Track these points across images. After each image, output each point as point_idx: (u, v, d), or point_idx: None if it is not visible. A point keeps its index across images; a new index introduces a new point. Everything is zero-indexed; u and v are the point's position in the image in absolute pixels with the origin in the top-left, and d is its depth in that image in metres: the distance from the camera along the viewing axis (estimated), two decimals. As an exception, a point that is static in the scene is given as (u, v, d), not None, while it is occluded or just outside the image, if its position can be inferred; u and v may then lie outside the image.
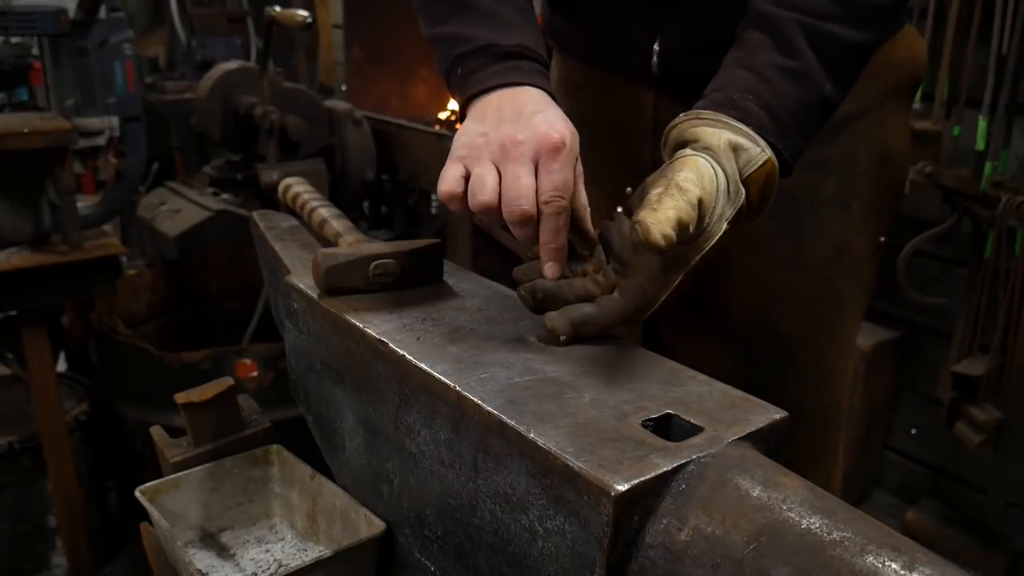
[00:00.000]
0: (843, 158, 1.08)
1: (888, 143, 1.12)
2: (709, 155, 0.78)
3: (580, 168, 0.86)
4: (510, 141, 0.81)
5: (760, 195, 0.81)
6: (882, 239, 1.17)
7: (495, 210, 0.80)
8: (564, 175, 0.80)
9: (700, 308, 1.14)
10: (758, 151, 0.79)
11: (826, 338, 1.15)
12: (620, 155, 1.16)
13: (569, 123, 0.84)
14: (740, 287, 1.11)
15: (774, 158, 0.80)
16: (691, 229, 0.73)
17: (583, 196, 0.87)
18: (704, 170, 0.76)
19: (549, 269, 0.81)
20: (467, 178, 0.82)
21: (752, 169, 0.79)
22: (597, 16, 1.11)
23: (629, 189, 1.15)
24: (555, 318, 0.79)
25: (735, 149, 0.79)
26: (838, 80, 0.86)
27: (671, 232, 0.69)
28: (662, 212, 0.70)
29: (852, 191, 1.10)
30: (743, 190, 0.79)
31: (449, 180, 0.83)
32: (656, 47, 1.04)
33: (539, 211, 0.80)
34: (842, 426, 1.23)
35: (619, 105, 1.15)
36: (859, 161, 1.10)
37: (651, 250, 0.70)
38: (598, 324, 0.79)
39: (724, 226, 0.77)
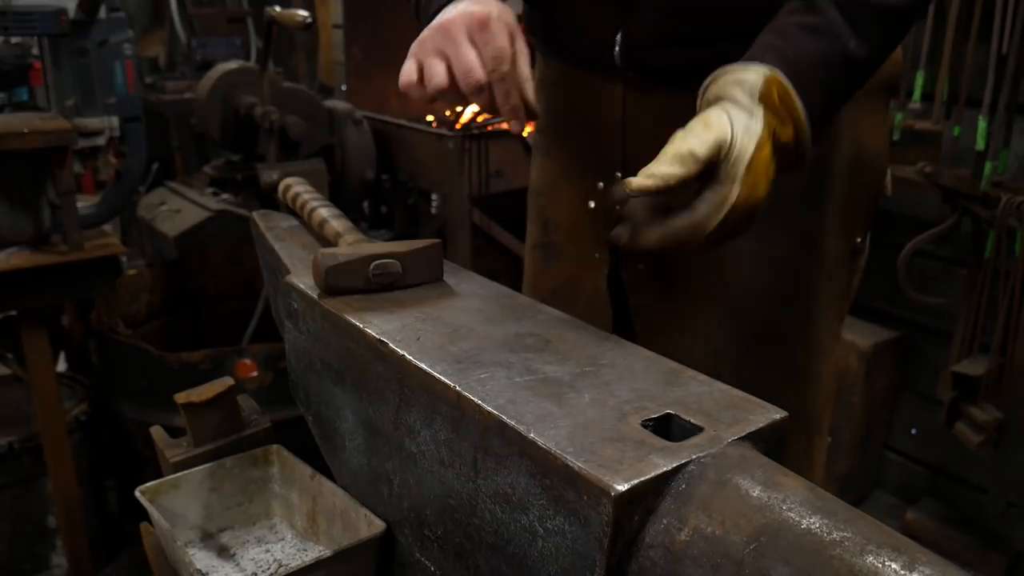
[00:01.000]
0: (811, 156, 1.09)
1: (862, 142, 1.12)
2: (717, 104, 0.83)
3: (522, 45, 0.91)
4: (446, 25, 0.88)
5: (780, 114, 0.83)
6: (859, 239, 1.16)
7: (452, 90, 0.88)
8: (497, 44, 0.87)
9: (671, 306, 1.15)
10: (755, 73, 0.83)
11: (794, 339, 1.14)
12: (592, 151, 1.18)
13: (503, 3, 0.91)
14: (707, 284, 1.11)
15: (776, 73, 0.83)
16: (683, 168, 0.79)
17: (524, 69, 0.91)
18: (709, 118, 0.82)
19: (513, 126, 0.91)
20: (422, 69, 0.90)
21: (759, 87, 0.82)
22: (563, 8, 1.13)
23: (601, 184, 1.17)
24: (619, 227, 0.83)
25: (738, 83, 0.83)
26: (864, 38, 0.87)
27: (644, 182, 0.79)
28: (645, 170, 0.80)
29: (822, 190, 1.10)
30: (759, 109, 0.82)
31: (406, 72, 0.90)
32: (618, 39, 1.06)
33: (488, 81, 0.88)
34: (820, 433, 1.21)
35: (590, 101, 1.16)
36: (829, 160, 1.09)
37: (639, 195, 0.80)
38: (666, 233, 0.82)
39: (754, 142, 0.80)
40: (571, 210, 1.22)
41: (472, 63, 0.87)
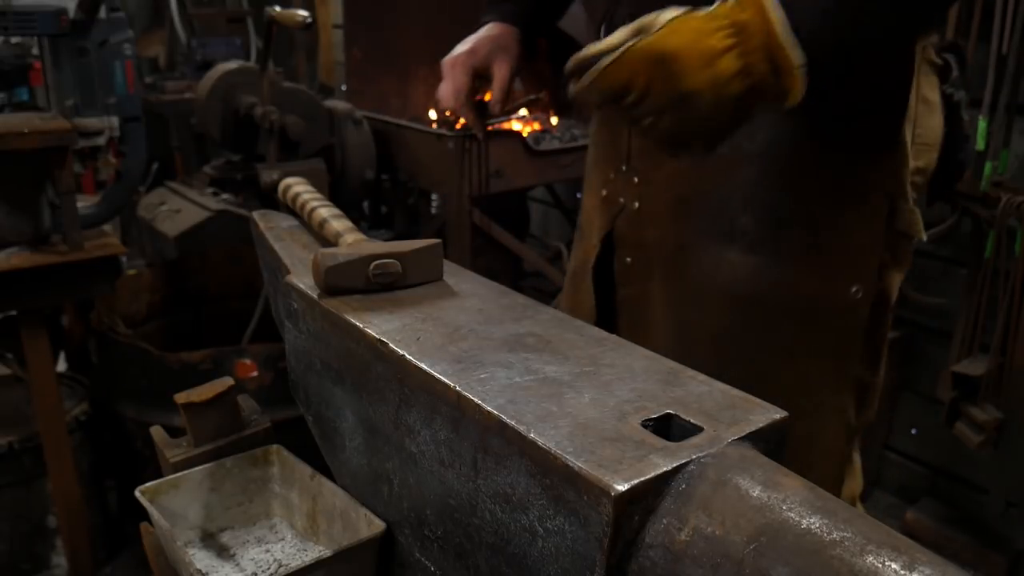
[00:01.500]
0: (760, 155, 1.00)
1: (860, 142, 0.99)
2: None
3: (498, 67, 1.23)
4: (445, 62, 1.26)
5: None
6: (855, 289, 1.01)
7: (449, 108, 1.27)
8: (455, 82, 1.24)
9: (642, 305, 1.16)
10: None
11: (729, 362, 0.99)
12: (610, 142, 1.21)
13: (478, 41, 1.24)
14: (667, 287, 1.12)
15: None
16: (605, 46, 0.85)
17: (499, 80, 1.23)
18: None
19: (479, 134, 1.41)
20: None
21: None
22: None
23: (612, 175, 1.19)
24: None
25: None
26: None
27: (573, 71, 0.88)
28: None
29: (788, 214, 1.01)
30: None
31: (438, 90, 1.29)
32: (603, 27, 1.10)
33: None
34: None
35: None
36: (780, 165, 0.99)
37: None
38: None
39: (677, 11, 0.83)
40: (592, 198, 1.28)
41: (445, 95, 1.25)
